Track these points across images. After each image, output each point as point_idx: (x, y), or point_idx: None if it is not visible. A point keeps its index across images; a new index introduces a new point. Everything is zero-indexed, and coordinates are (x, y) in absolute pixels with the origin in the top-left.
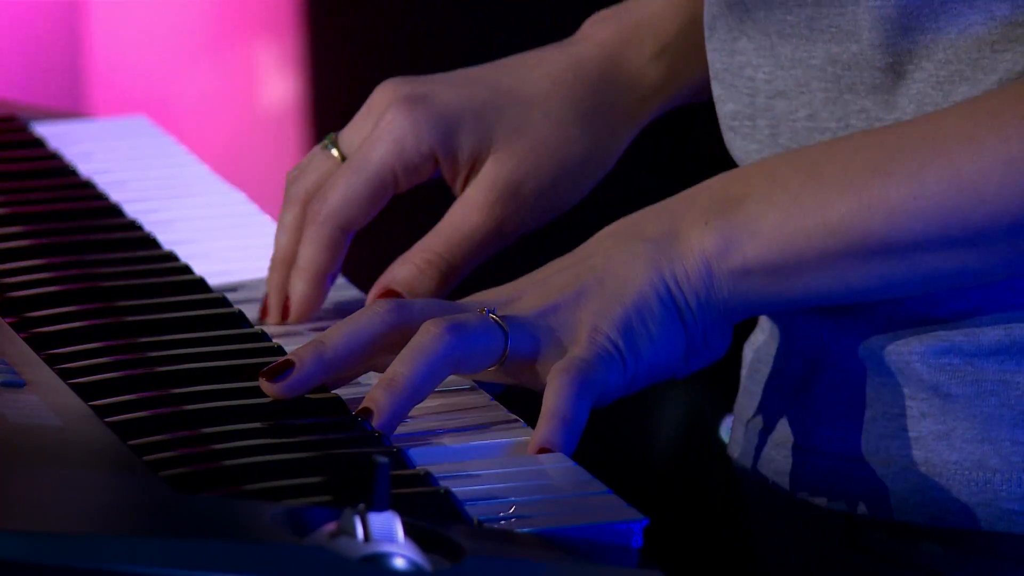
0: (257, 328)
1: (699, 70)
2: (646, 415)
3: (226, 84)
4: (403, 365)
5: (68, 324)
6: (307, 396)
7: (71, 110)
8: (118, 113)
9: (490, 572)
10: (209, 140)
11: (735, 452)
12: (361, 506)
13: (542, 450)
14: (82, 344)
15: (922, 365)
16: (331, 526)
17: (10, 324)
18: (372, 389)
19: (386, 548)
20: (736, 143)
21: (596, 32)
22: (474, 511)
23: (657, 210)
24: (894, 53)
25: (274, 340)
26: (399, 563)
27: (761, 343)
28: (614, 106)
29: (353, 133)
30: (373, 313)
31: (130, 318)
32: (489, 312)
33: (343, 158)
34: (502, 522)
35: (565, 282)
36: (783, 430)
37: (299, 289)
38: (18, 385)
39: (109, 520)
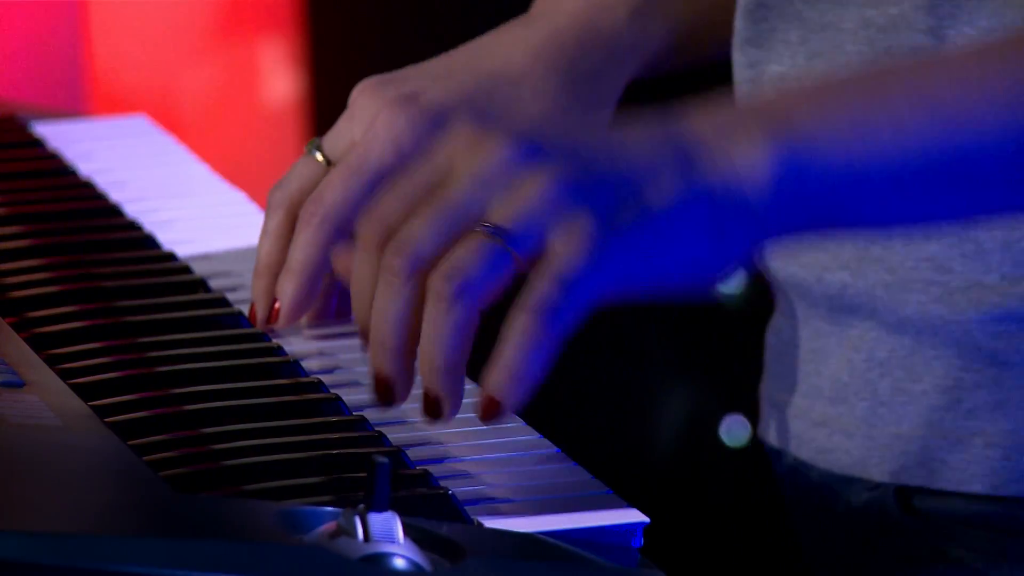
0: (257, 328)
1: (666, 31)
2: (646, 415)
3: (227, 84)
4: (435, 347)
5: (68, 324)
6: (307, 396)
7: (71, 110)
8: (118, 113)
9: (490, 572)
10: (209, 140)
11: (768, 436)
12: (361, 506)
13: (491, 403)
14: (82, 344)
15: (981, 333)
16: (331, 526)
17: (10, 324)
18: (426, 381)
19: (386, 548)
20: None
21: (561, 3)
22: (474, 511)
23: (690, 121)
24: (937, 16)
25: (274, 340)
26: (399, 563)
27: (786, 326)
28: (596, 72)
29: (338, 138)
30: (388, 287)
31: (130, 318)
32: (490, 231)
33: (328, 163)
34: (502, 522)
35: (580, 162)
36: (821, 409)
37: (288, 292)
38: (18, 385)
39: (109, 520)
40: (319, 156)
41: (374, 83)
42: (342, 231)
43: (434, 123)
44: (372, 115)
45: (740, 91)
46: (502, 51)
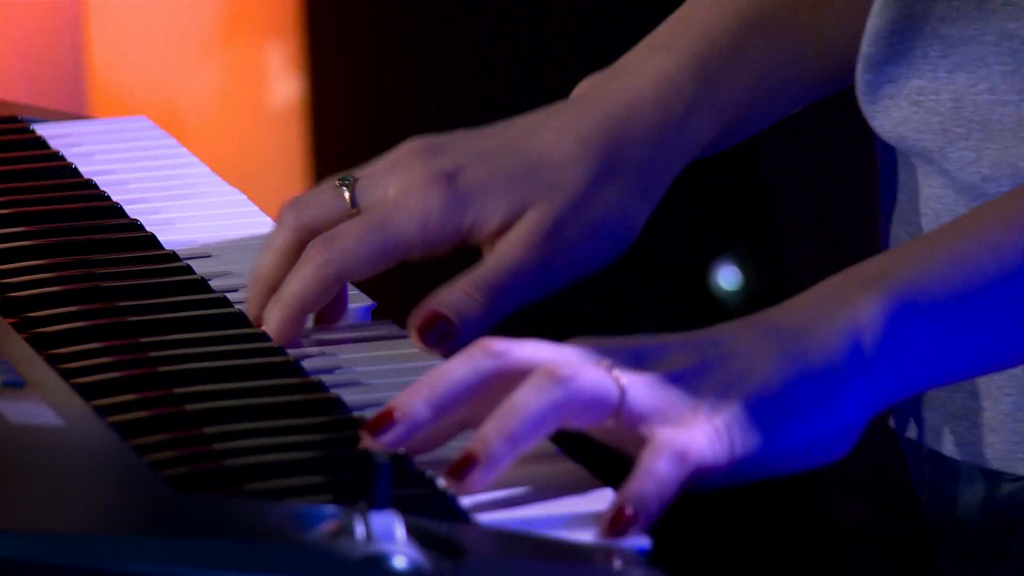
0: (257, 328)
1: (719, 122)
2: None
3: (228, 85)
4: (511, 417)
5: (69, 324)
6: (307, 396)
7: (73, 111)
8: (120, 114)
9: (490, 572)
10: (211, 141)
11: (908, 431)
12: (362, 505)
13: (620, 514)
14: (83, 344)
15: None
16: (332, 525)
17: (11, 324)
18: (486, 429)
19: (387, 548)
20: (917, 117)
21: (615, 93)
22: (474, 511)
23: (786, 306)
24: None
25: (274, 340)
26: (400, 563)
27: None
28: (644, 165)
29: (372, 185)
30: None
31: (131, 318)
32: (609, 366)
33: (352, 203)
34: (502, 522)
35: (687, 355)
36: (962, 403)
37: (275, 320)
38: (18, 385)
39: (109, 520)
40: (347, 193)
41: (423, 146)
42: (343, 279)
43: (467, 202)
44: (411, 180)
45: (873, 110)
46: (549, 135)
